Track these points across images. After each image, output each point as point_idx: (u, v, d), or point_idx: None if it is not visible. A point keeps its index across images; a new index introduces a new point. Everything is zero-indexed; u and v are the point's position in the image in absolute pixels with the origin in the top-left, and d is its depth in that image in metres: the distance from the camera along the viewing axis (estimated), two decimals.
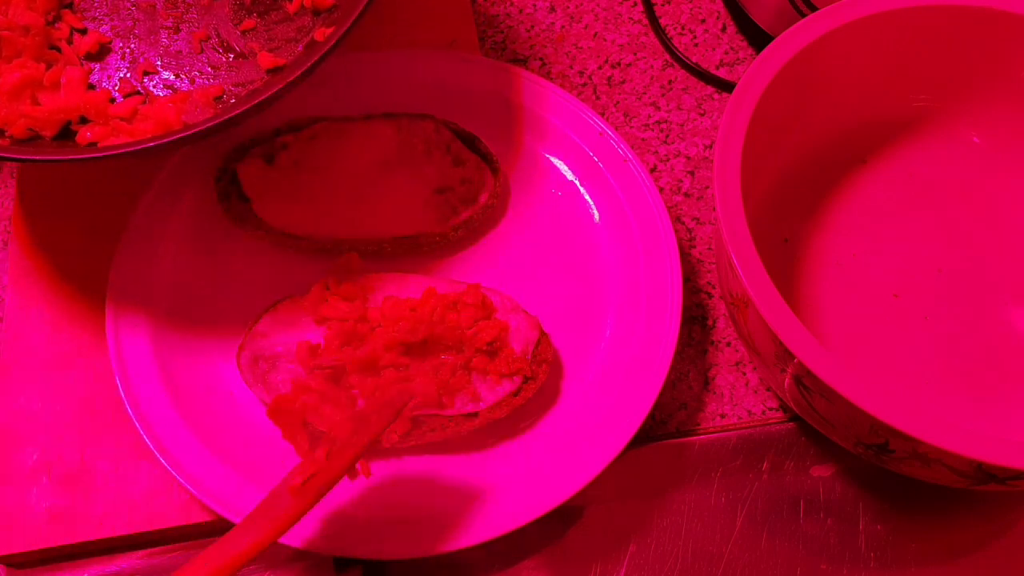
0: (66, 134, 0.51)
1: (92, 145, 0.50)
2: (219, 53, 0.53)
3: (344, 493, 0.49)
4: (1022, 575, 0.51)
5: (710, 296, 0.58)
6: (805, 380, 0.44)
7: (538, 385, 0.51)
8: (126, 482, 0.51)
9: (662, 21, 0.68)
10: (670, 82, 0.65)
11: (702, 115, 0.64)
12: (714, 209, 0.50)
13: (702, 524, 0.52)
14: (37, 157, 0.47)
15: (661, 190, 0.61)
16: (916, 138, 0.58)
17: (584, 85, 0.65)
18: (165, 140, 0.45)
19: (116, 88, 0.53)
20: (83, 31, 0.54)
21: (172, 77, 0.53)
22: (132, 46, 0.54)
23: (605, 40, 0.67)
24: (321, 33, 0.52)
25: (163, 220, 0.55)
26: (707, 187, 0.61)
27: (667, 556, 0.51)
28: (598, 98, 0.65)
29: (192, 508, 0.50)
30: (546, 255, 0.57)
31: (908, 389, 0.52)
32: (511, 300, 0.52)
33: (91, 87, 0.53)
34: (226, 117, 0.46)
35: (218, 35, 0.54)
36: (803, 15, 0.58)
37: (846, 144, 0.57)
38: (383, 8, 0.64)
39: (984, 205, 0.57)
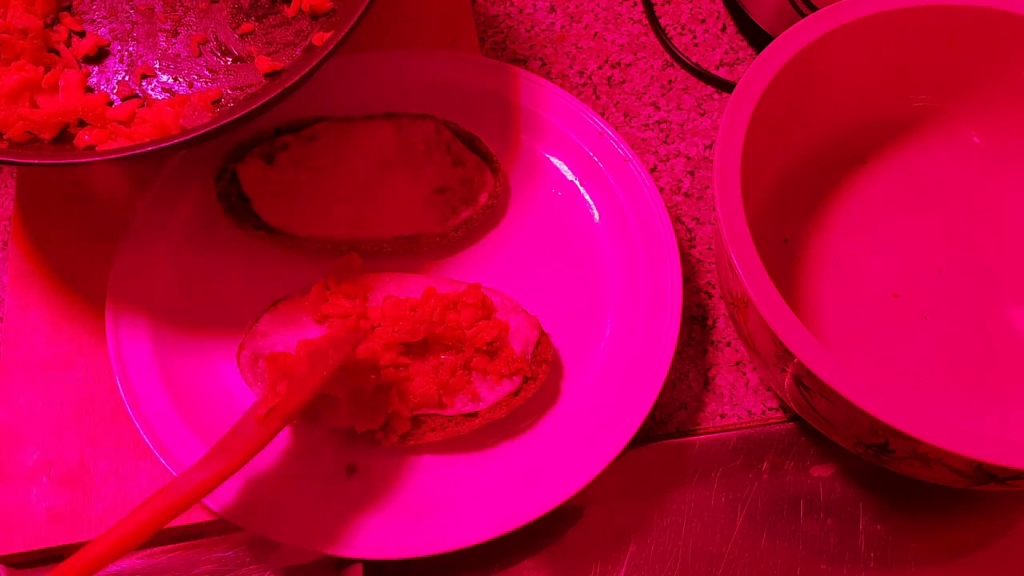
0: (64, 137, 0.51)
1: (90, 149, 0.50)
2: (217, 57, 0.53)
3: (344, 493, 0.49)
4: (1022, 575, 0.51)
5: (710, 296, 0.58)
6: (805, 380, 0.43)
7: (538, 385, 0.51)
8: (126, 482, 0.51)
9: (662, 21, 0.68)
10: (670, 82, 0.65)
11: (702, 115, 0.64)
12: (714, 209, 0.50)
13: (702, 524, 0.52)
14: (35, 161, 0.47)
15: (661, 190, 0.61)
16: (916, 138, 0.58)
17: (584, 85, 0.65)
18: (162, 145, 0.45)
19: (114, 91, 0.53)
20: (81, 34, 0.54)
21: (170, 80, 0.53)
22: (130, 49, 0.54)
23: (605, 40, 0.67)
24: (319, 38, 0.52)
25: (163, 220, 0.55)
26: (707, 187, 0.61)
27: (667, 556, 0.51)
28: (598, 98, 0.65)
29: (192, 508, 0.50)
30: (546, 255, 0.57)
31: (908, 389, 0.52)
32: (511, 300, 0.52)
33: (89, 90, 0.53)
34: (224, 122, 0.46)
35: (216, 39, 0.53)
36: (803, 15, 0.58)
37: (846, 144, 0.57)
38: (383, 8, 0.63)
39: (984, 205, 0.57)
